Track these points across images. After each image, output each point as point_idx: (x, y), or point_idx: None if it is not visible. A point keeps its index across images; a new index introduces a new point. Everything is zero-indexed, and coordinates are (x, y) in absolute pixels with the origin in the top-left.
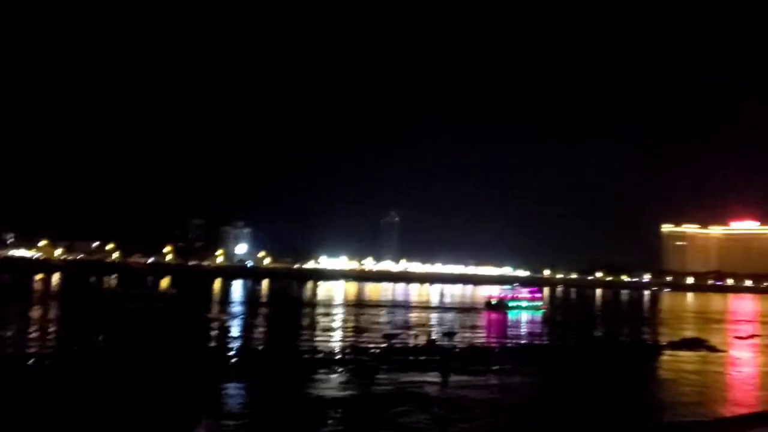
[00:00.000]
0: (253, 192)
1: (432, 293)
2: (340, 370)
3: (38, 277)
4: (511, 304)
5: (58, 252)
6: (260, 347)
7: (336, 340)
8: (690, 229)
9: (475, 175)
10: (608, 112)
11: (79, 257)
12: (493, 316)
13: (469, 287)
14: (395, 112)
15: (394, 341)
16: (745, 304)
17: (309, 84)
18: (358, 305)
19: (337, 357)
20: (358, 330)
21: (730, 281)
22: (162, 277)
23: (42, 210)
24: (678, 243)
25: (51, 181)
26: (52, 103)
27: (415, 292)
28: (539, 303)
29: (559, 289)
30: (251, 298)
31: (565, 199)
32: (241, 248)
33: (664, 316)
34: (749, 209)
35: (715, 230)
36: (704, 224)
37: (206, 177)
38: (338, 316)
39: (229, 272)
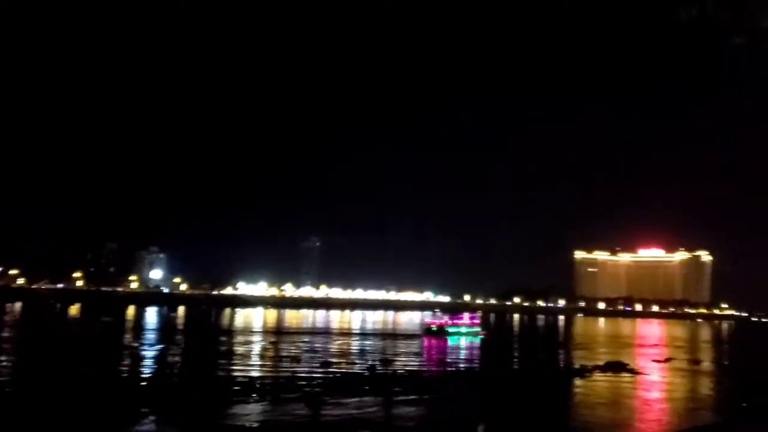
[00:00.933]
0: (168, 216)
1: (355, 320)
2: (287, 397)
3: None
4: (451, 330)
5: None
6: (188, 377)
7: (273, 369)
8: (601, 255)
9: (395, 201)
10: (521, 140)
11: None
12: (434, 341)
13: (391, 313)
14: (314, 137)
15: (332, 369)
16: (653, 329)
17: (228, 105)
18: (285, 333)
19: (281, 386)
20: (294, 359)
21: (638, 306)
22: (71, 304)
23: None
24: (590, 269)
25: None
26: None
27: (338, 318)
28: (478, 329)
29: (479, 314)
30: (168, 326)
31: (483, 226)
32: (155, 273)
33: (584, 340)
34: (656, 237)
35: (624, 257)
36: (614, 251)
37: (121, 200)
38: (268, 344)
39: (144, 298)
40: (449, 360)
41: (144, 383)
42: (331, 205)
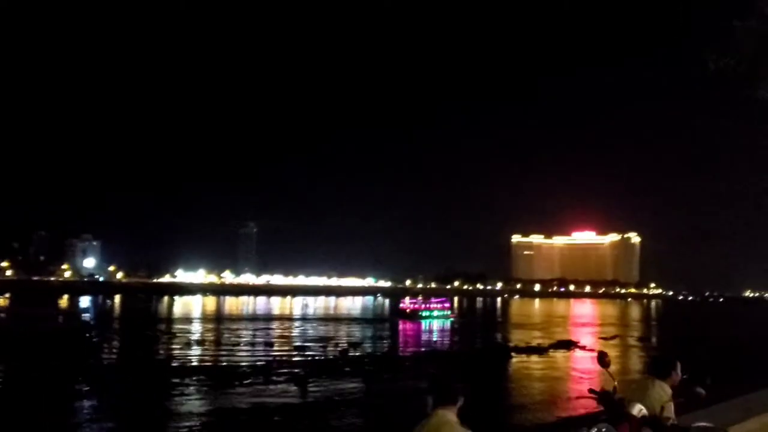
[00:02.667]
0: (102, 203)
1: (298, 306)
2: (275, 380)
3: None
4: (424, 313)
5: None
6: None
7: (249, 354)
8: (536, 239)
9: (334, 186)
10: (457, 123)
11: None
12: (408, 324)
13: (333, 299)
14: (261, 122)
15: (307, 353)
16: (586, 308)
17: (165, 87)
18: (238, 320)
19: (263, 368)
20: (267, 344)
21: (572, 287)
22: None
23: None
24: (526, 252)
25: None
26: None
27: (280, 305)
28: (448, 312)
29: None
30: (106, 314)
31: (422, 212)
32: (89, 262)
33: (526, 321)
34: (589, 220)
35: (559, 240)
36: (549, 234)
37: (50, 186)
38: (235, 331)
39: (78, 288)
40: (423, 341)
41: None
42: (268, 190)
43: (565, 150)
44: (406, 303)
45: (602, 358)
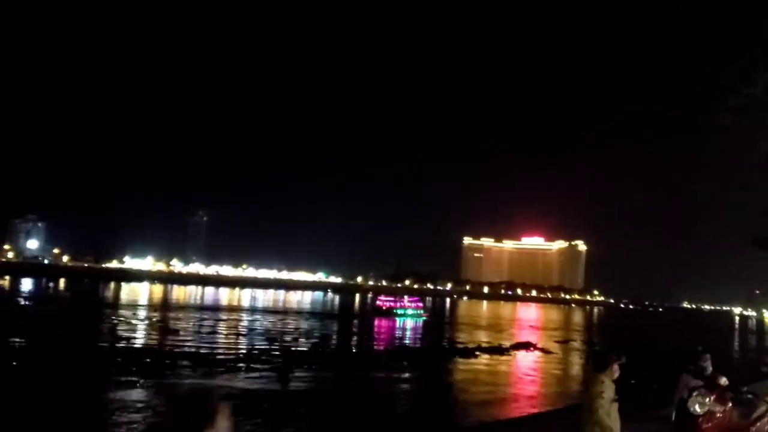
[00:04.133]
0: (48, 184)
1: (247, 297)
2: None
3: None
4: (399, 311)
5: None
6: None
7: (225, 344)
8: (487, 242)
9: (286, 177)
10: (419, 129)
11: None
12: (384, 322)
13: (282, 292)
14: (209, 109)
15: (278, 344)
16: (531, 312)
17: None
18: (204, 309)
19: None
20: (239, 334)
21: (519, 291)
22: None
23: None
24: (476, 254)
25: None
26: None
27: (229, 296)
28: (421, 311)
29: (370, 295)
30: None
31: (375, 210)
32: (32, 243)
33: (476, 322)
34: (538, 226)
35: (508, 244)
36: (499, 238)
37: None
38: (197, 320)
39: (21, 269)
40: (397, 338)
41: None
42: (220, 180)
43: (515, 154)
44: (383, 300)
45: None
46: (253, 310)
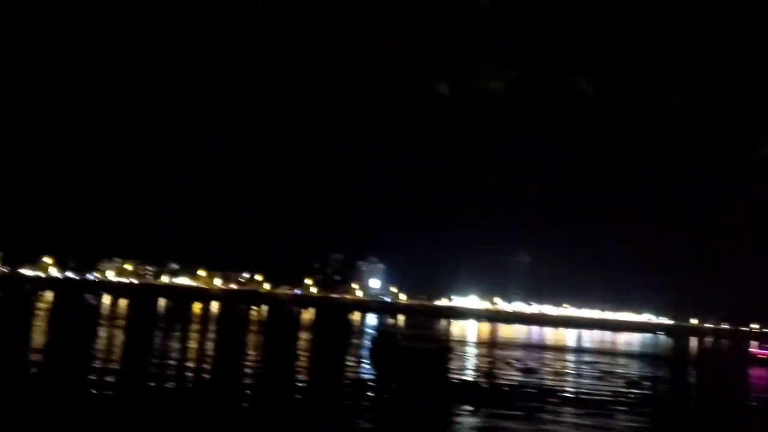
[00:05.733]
0: (385, 228)
1: (571, 337)
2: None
3: (197, 304)
4: None
5: (216, 281)
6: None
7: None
8: None
9: (616, 218)
10: None
11: (233, 287)
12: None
13: (606, 333)
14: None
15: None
16: None
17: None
18: (536, 348)
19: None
20: (595, 376)
21: None
22: (306, 308)
23: (200, 242)
24: None
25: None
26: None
27: (564, 334)
28: None
29: (709, 340)
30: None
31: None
32: (374, 283)
33: None
34: None
35: None
36: None
37: (341, 212)
38: (556, 360)
39: (367, 306)
40: None
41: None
42: (539, 220)
43: None
44: (757, 349)
45: None
46: (584, 350)
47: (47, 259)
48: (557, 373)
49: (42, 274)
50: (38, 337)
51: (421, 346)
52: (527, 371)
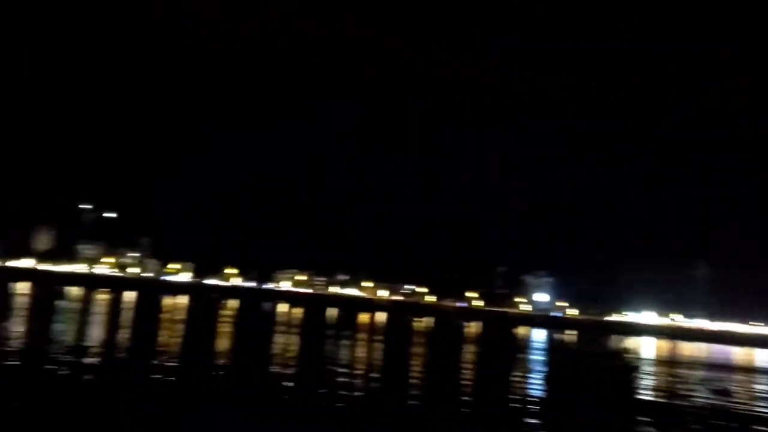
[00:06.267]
0: (554, 243)
1: None
2: None
3: (362, 314)
4: None
5: (381, 293)
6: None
7: None
8: None
9: None
10: None
11: (398, 298)
12: None
13: None
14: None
15: None
16: None
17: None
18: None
19: None
20: None
21: None
22: (470, 321)
23: (368, 255)
24: None
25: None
26: None
27: (754, 354)
28: None
29: None
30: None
31: None
32: (541, 297)
33: None
34: None
35: None
36: None
37: (504, 228)
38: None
39: (534, 320)
40: None
41: None
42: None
43: None
44: None
45: None
46: None
47: (230, 270)
48: (754, 398)
49: (226, 283)
50: (224, 341)
51: (602, 362)
52: (721, 393)
